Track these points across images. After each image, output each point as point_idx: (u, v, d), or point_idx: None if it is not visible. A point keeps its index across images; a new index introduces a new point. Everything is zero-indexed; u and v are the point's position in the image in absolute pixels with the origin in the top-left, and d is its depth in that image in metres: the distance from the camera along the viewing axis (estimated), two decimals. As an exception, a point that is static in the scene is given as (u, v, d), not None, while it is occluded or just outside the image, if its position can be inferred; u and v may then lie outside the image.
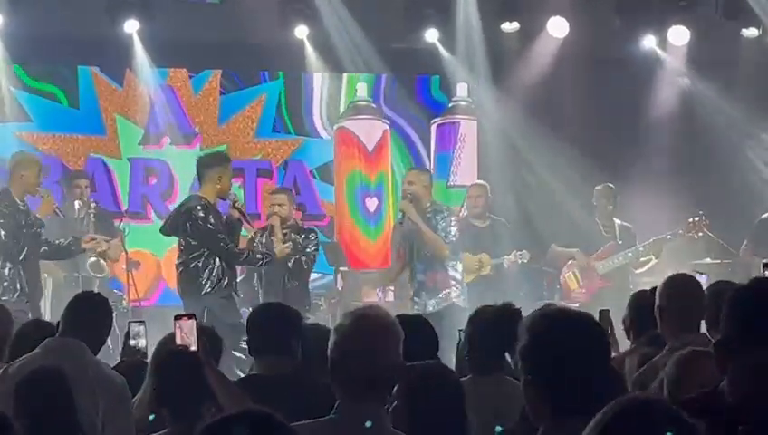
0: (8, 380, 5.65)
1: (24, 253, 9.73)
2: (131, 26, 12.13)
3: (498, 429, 4.30)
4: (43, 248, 9.96)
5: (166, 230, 10.01)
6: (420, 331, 5.33)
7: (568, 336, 3.18)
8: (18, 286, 9.66)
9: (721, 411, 2.83)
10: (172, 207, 13.00)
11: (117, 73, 12.92)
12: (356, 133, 13.37)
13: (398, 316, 5.84)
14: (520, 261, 11.51)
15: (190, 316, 4.85)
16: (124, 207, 12.71)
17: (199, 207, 9.50)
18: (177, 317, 4.84)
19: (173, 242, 12.81)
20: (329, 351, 3.83)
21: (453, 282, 10.11)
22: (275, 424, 2.44)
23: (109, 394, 5.44)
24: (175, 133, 13.00)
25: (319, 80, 13.34)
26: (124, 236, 11.05)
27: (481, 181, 12.13)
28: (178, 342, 4.82)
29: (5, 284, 9.66)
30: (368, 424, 3.74)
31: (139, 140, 12.97)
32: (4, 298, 9.42)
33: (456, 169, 13.65)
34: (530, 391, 3.23)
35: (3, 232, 9.67)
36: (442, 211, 10.17)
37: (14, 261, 9.69)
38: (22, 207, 9.87)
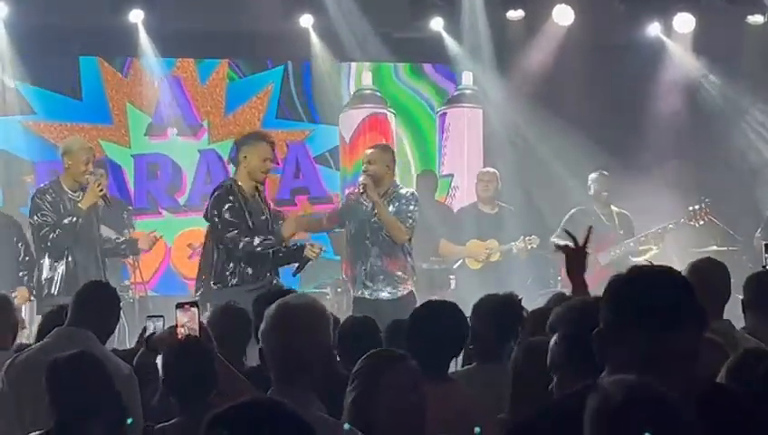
0: (18, 368, 5.68)
1: (70, 247, 9.30)
2: (136, 16, 12.14)
3: (477, 430, 4.31)
4: (95, 239, 9.49)
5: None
6: (450, 317, 5.37)
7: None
8: (61, 281, 9.27)
9: None
10: (181, 199, 13.08)
11: (123, 63, 12.92)
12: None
13: (428, 302, 5.85)
14: (530, 246, 11.49)
15: (192, 304, 4.85)
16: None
17: (216, 192, 8.88)
18: (179, 305, 4.84)
19: (182, 228, 12.91)
20: (259, 337, 3.90)
21: (410, 270, 9.57)
22: (283, 412, 2.45)
23: (117, 384, 5.46)
24: (181, 125, 13.01)
25: (328, 68, 13.29)
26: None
27: (491, 169, 12.14)
28: (181, 330, 4.83)
29: (46, 278, 9.30)
30: (346, 426, 3.79)
31: (146, 129, 12.98)
32: (52, 293, 9.15)
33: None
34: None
35: (47, 227, 9.26)
36: (406, 196, 9.54)
37: (59, 256, 9.30)
38: (71, 198, 9.38)
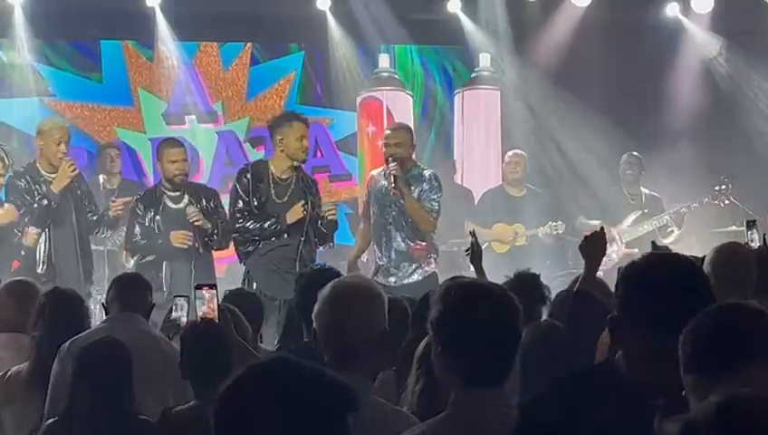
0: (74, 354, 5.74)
1: (48, 230, 9.01)
2: (153, 0, 12.15)
3: None
4: (72, 222, 9.15)
5: None
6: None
7: (480, 306, 3.24)
8: (40, 265, 8.97)
9: (620, 384, 2.86)
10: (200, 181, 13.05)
11: (147, 47, 12.88)
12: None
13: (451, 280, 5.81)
14: (555, 232, 11.48)
15: (211, 286, 4.84)
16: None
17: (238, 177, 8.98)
18: (199, 287, 4.84)
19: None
20: (313, 321, 3.83)
21: (434, 250, 9.42)
22: (307, 371, 2.28)
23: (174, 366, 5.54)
24: (198, 111, 12.98)
25: (346, 51, 13.22)
26: None
27: (519, 150, 12.10)
28: (200, 313, 4.83)
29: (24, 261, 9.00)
30: None
31: (163, 116, 12.95)
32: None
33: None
34: (440, 362, 3.29)
35: (22, 210, 8.96)
36: (429, 180, 9.27)
37: (34, 242, 8.98)
38: (47, 180, 9.05)
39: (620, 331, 2.92)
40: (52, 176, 9.07)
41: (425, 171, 9.39)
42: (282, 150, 8.79)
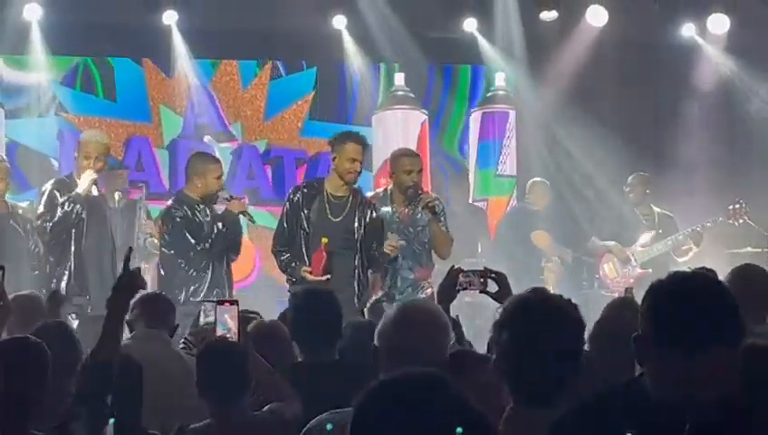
0: None
1: (77, 240, 8.70)
2: (169, 17, 12.14)
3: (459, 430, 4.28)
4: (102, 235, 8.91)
5: None
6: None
7: (535, 321, 3.30)
8: (70, 278, 8.68)
9: (648, 402, 2.85)
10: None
11: (164, 65, 12.89)
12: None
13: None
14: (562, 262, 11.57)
15: (233, 302, 4.83)
16: (167, 188, 12.64)
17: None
18: (220, 303, 4.83)
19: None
20: (375, 341, 3.78)
21: (433, 272, 9.24)
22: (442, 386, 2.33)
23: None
24: (214, 132, 12.95)
25: (362, 69, 13.23)
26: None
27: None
28: (219, 330, 4.81)
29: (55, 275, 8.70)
30: (328, 427, 3.71)
31: (179, 133, 12.94)
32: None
33: (505, 158, 13.54)
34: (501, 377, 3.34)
35: (41, 219, 8.69)
36: (441, 206, 9.27)
37: (61, 250, 8.72)
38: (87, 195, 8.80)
39: (646, 349, 2.90)
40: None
41: (434, 196, 9.42)
42: (334, 169, 8.68)
